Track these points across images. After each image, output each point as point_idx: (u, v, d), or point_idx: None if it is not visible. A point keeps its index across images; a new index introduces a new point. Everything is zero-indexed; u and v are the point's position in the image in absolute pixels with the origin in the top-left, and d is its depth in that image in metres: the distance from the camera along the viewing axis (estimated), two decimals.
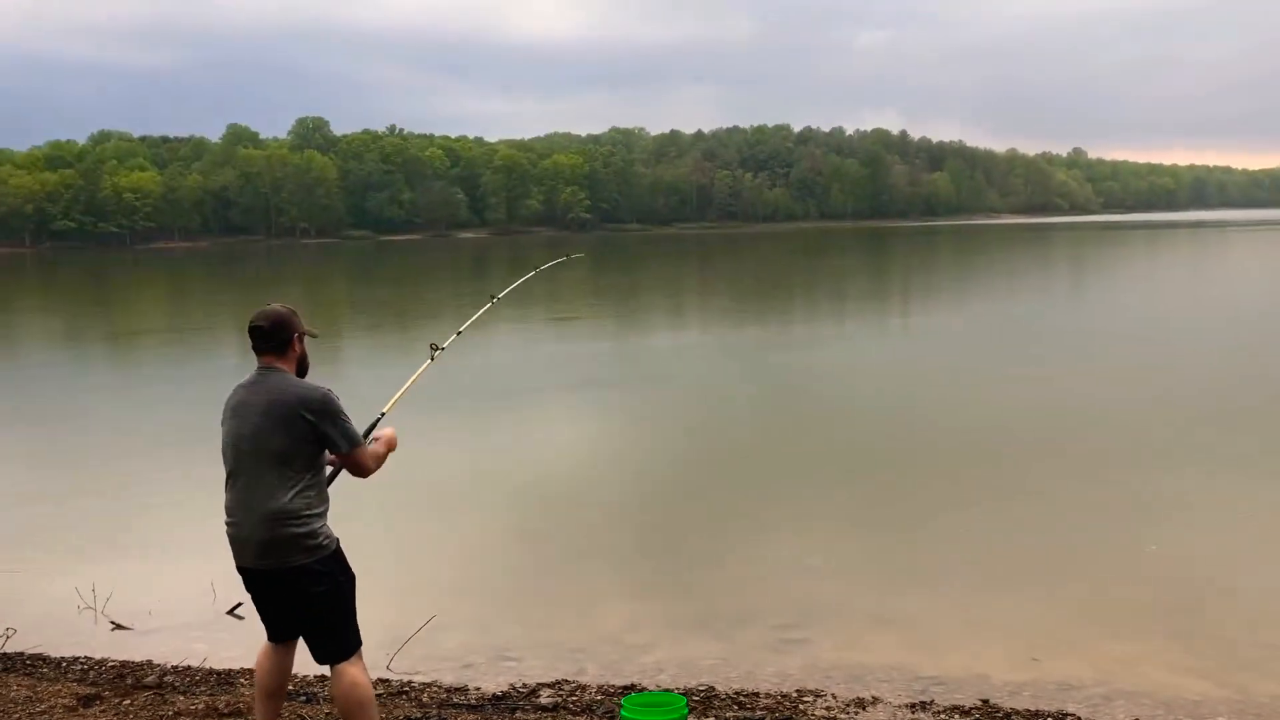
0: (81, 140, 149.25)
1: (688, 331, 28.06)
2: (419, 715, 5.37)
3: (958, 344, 22.74)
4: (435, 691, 5.85)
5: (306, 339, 4.48)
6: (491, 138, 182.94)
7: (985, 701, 5.60)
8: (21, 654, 6.48)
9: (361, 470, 4.45)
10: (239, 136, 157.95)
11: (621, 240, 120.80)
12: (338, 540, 4.36)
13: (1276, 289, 38.52)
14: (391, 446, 4.61)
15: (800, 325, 29.21)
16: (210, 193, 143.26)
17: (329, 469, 4.52)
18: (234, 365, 20.87)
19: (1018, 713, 5.43)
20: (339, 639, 4.34)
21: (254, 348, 4.36)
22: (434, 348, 5.50)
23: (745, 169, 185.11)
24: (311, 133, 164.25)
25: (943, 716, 5.44)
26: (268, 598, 4.38)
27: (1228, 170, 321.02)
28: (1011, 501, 9.75)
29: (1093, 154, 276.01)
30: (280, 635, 4.48)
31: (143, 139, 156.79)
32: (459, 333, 5.86)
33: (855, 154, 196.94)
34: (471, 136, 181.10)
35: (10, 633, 6.81)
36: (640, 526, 9.39)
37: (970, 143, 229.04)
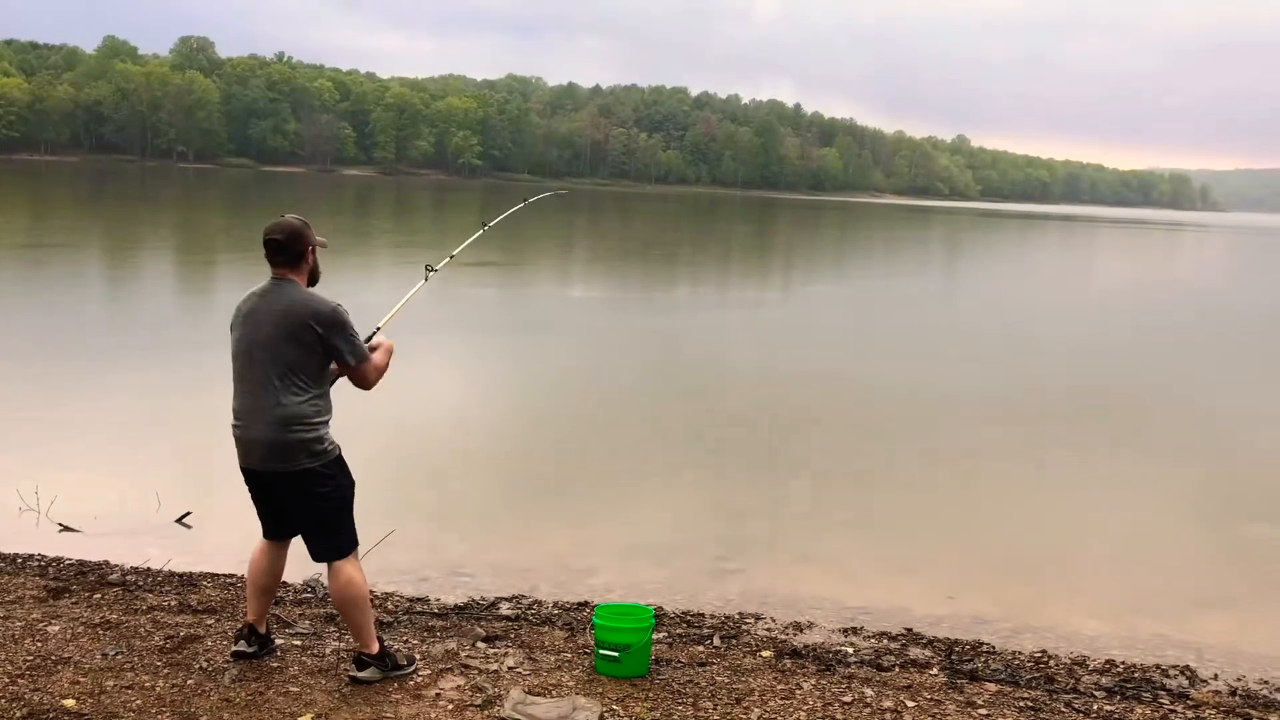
0: None
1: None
2: (389, 620, 5.63)
3: (842, 312, 23.62)
4: (398, 600, 6.11)
5: (318, 249, 4.66)
6: (384, 75, 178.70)
7: (909, 630, 6.15)
8: None
9: (366, 382, 4.66)
10: (116, 50, 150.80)
11: (512, 189, 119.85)
12: (339, 447, 4.59)
13: (1130, 283, 40.80)
14: (389, 355, 4.80)
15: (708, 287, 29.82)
16: (82, 106, 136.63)
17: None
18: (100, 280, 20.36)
19: (939, 640, 5.99)
20: (338, 539, 4.58)
21: (268, 259, 4.50)
22: (429, 269, 5.69)
23: (641, 128, 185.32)
24: (195, 53, 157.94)
25: (872, 640, 5.97)
26: (271, 498, 4.58)
27: (1100, 168, 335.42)
28: (918, 457, 10.43)
29: (975, 142, 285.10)
30: (278, 534, 4.70)
31: (8, 43, 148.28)
32: (452, 256, 6.03)
33: (750, 123, 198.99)
34: (363, 71, 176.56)
35: None
36: (571, 464, 9.74)
37: (860, 121, 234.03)
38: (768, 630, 6.01)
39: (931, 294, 30.22)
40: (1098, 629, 6.38)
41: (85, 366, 12.78)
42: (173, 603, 5.62)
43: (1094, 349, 19.24)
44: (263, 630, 4.75)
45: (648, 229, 58.85)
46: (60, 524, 7.12)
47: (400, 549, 6.88)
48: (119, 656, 4.71)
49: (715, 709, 4.59)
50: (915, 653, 5.76)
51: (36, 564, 6.32)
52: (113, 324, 16.89)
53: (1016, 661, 5.71)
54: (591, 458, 9.97)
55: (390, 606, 5.97)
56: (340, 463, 4.60)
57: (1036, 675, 5.48)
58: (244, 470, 4.56)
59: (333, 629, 5.34)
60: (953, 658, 5.69)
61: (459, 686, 4.65)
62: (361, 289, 18.66)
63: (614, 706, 4.52)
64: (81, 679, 4.43)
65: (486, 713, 4.37)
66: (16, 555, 6.43)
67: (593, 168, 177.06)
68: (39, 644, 4.81)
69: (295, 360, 4.40)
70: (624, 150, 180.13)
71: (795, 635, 5.98)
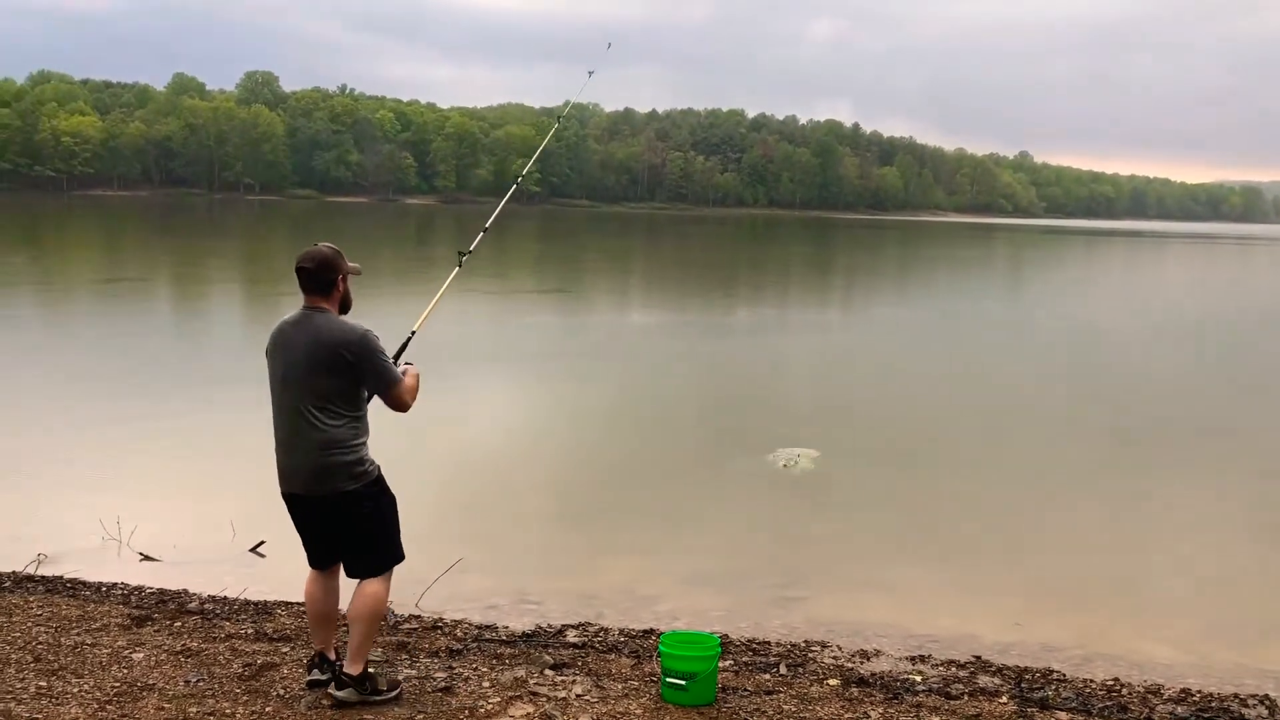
0: (20, 80, 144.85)
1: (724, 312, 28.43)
2: (458, 647, 5.72)
3: (905, 335, 23.44)
4: (467, 628, 6.20)
5: (350, 277, 4.74)
6: (443, 105, 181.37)
7: (977, 657, 6.09)
8: (60, 578, 6.72)
9: (399, 405, 4.70)
10: (184, 86, 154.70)
11: (569, 215, 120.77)
12: (379, 466, 4.70)
13: (1205, 299, 39.93)
14: (417, 381, 4.79)
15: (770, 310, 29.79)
16: (153, 142, 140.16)
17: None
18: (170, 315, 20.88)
19: (1008, 667, 5.93)
20: (377, 557, 4.69)
21: (300, 287, 4.63)
22: (461, 254, 5.73)
23: (698, 152, 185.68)
24: (260, 87, 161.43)
25: (940, 668, 5.93)
26: (314, 523, 4.68)
27: (1166, 183, 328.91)
28: (984, 481, 10.34)
29: (1038, 158, 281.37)
30: (324, 561, 4.79)
31: (84, 83, 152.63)
32: (485, 229, 6.05)
33: (807, 143, 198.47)
34: (424, 102, 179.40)
35: (42, 558, 7.04)
36: (634, 490, 9.81)
37: (920, 139, 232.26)
38: (834, 658, 6.00)
39: (998, 314, 29.89)
40: (1172, 656, 6.27)
41: (160, 398, 13.14)
42: (249, 630, 5.77)
43: (1165, 369, 18.90)
44: (333, 656, 4.85)
45: (705, 252, 58.91)
46: (141, 553, 7.33)
47: (469, 576, 6.98)
48: (200, 684, 4.85)
49: None
50: (984, 680, 5.72)
51: (120, 592, 6.52)
52: (184, 355, 17.33)
53: (1088, 689, 5.64)
54: (654, 484, 10.01)
55: (460, 634, 6.06)
56: (380, 482, 4.70)
57: (1109, 704, 5.40)
58: (286, 497, 4.67)
59: (404, 656, 5.45)
60: (1022, 686, 5.63)
61: (528, 715, 4.72)
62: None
63: None
64: (166, 705, 4.57)
65: None
66: (101, 584, 6.63)
67: (650, 192, 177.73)
68: (125, 670, 4.97)
69: (330, 388, 4.50)
70: (681, 174, 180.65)
71: (862, 663, 5.97)
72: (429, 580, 6.73)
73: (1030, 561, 8.13)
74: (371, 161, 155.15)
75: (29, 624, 5.63)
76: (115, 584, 6.64)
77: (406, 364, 4.86)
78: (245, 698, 4.70)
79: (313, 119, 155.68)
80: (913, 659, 6.07)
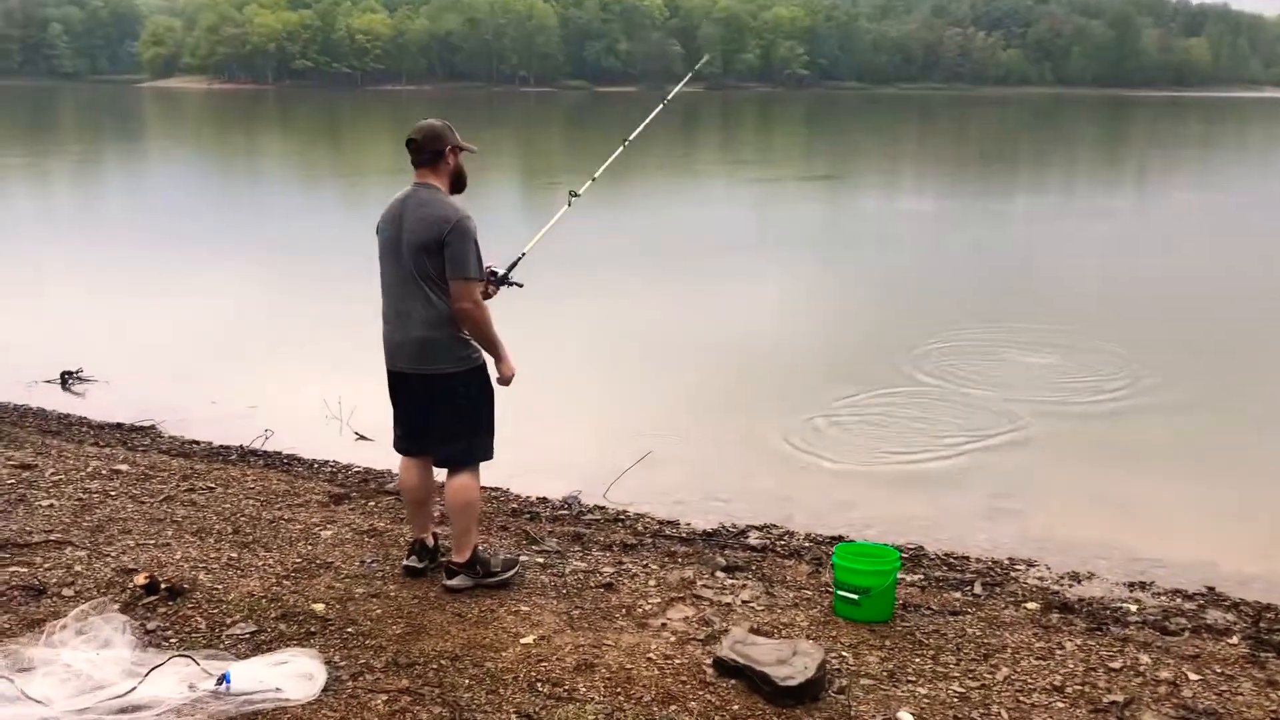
0: None
1: (905, 197, 27.18)
2: (634, 541, 5.63)
3: (1206, 219, 21.16)
4: (648, 522, 6.11)
5: (464, 154, 4.59)
6: None
7: (1211, 589, 5.40)
8: (279, 453, 7.16)
9: (460, 301, 4.38)
10: None
11: (839, 98, 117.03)
12: (484, 359, 4.58)
13: None
14: (499, 349, 4.56)
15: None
16: (436, 37, 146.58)
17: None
18: None
19: (1245, 603, 5.22)
20: (468, 446, 4.62)
21: (411, 161, 4.52)
22: (572, 194, 5.49)
23: (978, 28, 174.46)
24: None
25: (1163, 598, 5.30)
26: (412, 401, 4.64)
27: None
28: (1246, 393, 9.17)
29: None
30: (416, 447, 4.73)
31: None
32: (594, 178, 5.80)
33: (1101, 14, 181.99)
34: None
35: (269, 433, 7.51)
36: (847, 385, 9.24)
37: (1235, 5, 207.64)
38: (1039, 579, 5.48)
39: None
40: None
41: None
42: (436, 513, 5.88)
43: None
44: (431, 544, 4.86)
45: (984, 135, 55.57)
46: (357, 433, 7.67)
47: (658, 469, 6.89)
48: (374, 564, 4.98)
49: (957, 664, 4.21)
50: (1213, 616, 5.06)
51: (329, 470, 6.86)
52: None
53: None
54: (875, 381, 9.37)
55: (640, 528, 5.97)
56: (481, 373, 4.60)
57: None
58: (390, 373, 4.65)
59: (576, 548, 5.41)
60: (1260, 625, 4.93)
61: (687, 618, 4.55)
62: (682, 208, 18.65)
63: (843, 653, 4.26)
64: (336, 584, 4.71)
65: (707, 648, 4.24)
66: (314, 460, 7.01)
67: (925, 71, 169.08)
68: (310, 548, 5.18)
69: (433, 267, 4.41)
70: (959, 52, 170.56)
71: (1070, 587, 5.41)
72: (618, 471, 6.67)
73: None
74: (639, 49, 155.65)
75: (241, 496, 5.99)
76: (327, 461, 7.00)
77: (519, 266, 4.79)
78: (412, 581, 4.78)
79: (584, 9, 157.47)
80: (1131, 585, 5.46)
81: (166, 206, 22.77)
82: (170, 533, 5.29)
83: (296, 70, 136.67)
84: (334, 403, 7.98)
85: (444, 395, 4.56)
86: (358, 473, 6.77)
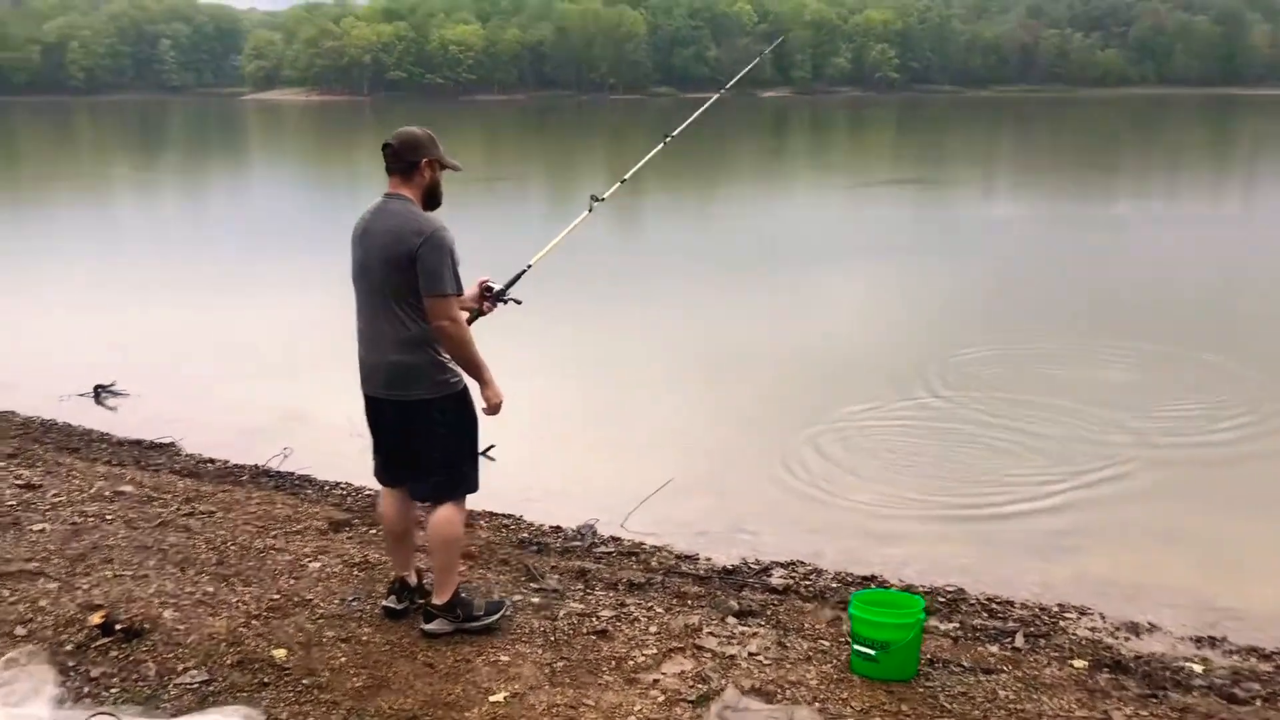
0: None
1: (993, 203, 26.20)
2: (643, 580, 5.19)
3: None
4: (665, 557, 5.67)
5: (445, 171, 4.26)
6: None
7: None
8: (293, 474, 6.89)
9: (437, 319, 4.03)
10: None
11: (931, 101, 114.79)
12: (465, 384, 4.21)
13: None
14: (481, 371, 4.17)
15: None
16: (527, 46, 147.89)
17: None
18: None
19: None
20: (450, 478, 4.26)
21: (385, 168, 4.21)
22: (594, 199, 5.11)
23: (1075, 28, 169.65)
24: None
25: (1235, 657, 4.67)
26: (389, 429, 4.30)
27: None
28: None
29: None
30: (393, 478, 4.42)
31: None
32: (623, 180, 5.39)
33: (1207, 10, 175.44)
34: None
35: (288, 452, 7.25)
36: (898, 402, 8.61)
37: None
38: (1090, 630, 4.89)
39: None
40: None
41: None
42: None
43: None
44: (414, 583, 4.50)
45: (1081, 138, 53.73)
46: None
47: (682, 496, 6.45)
48: (354, 603, 4.65)
49: None
50: None
51: (340, 492, 6.56)
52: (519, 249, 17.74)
53: None
54: (929, 398, 8.72)
55: (654, 564, 5.54)
56: (463, 399, 4.22)
57: None
58: (366, 398, 4.33)
59: (578, 586, 5.00)
60: None
61: (682, 673, 4.12)
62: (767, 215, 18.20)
63: None
64: (308, 626, 4.39)
65: (696, 711, 3.80)
66: (325, 483, 6.72)
67: (1020, 73, 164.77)
68: (292, 582, 4.87)
69: (406, 284, 4.05)
70: (1057, 52, 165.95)
71: (1125, 641, 4.82)
72: (639, 498, 6.25)
73: None
74: (728, 56, 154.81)
75: (238, 521, 5.72)
76: (338, 483, 6.70)
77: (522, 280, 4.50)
78: (389, 624, 4.43)
79: (673, 16, 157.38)
80: (1199, 640, 4.84)
81: (250, 217, 23.09)
82: (153, 563, 5.03)
83: (391, 81, 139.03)
84: (359, 420, 7.67)
85: (422, 424, 4.20)
86: (368, 496, 6.45)
